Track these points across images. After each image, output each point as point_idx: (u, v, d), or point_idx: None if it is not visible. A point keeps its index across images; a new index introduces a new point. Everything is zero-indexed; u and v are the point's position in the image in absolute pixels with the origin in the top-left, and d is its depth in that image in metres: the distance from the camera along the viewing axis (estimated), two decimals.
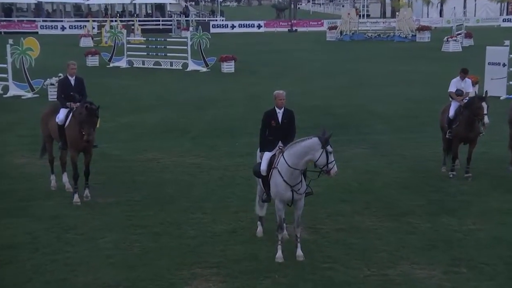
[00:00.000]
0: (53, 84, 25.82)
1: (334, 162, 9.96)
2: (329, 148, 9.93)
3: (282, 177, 10.21)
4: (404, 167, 15.94)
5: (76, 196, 13.42)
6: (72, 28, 69.50)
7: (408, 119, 21.95)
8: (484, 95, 14.55)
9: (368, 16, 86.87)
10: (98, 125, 13.15)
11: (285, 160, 10.16)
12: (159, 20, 75.32)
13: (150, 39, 43.91)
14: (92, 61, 40.13)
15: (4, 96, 27.73)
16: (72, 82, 13.69)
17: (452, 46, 47.19)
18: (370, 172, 15.53)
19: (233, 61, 36.37)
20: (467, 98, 14.90)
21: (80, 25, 67.10)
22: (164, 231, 11.76)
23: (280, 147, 10.57)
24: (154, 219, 12.40)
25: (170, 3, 78.42)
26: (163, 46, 39.97)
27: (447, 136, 15.26)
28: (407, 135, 19.46)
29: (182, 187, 14.41)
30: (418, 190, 14.14)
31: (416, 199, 13.49)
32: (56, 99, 14.32)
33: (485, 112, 14.20)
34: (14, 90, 27.97)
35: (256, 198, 11.42)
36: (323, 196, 13.44)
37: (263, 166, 10.61)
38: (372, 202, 13.29)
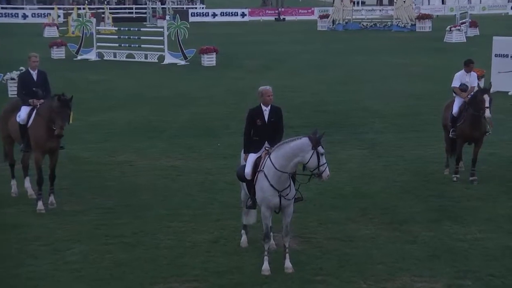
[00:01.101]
0: (13, 79, 25.69)
1: (326, 164, 9.98)
2: (320, 149, 9.94)
3: (269, 181, 10.22)
4: (403, 170, 15.96)
5: (40, 203, 13.35)
6: (35, 17, 69.26)
7: (408, 117, 21.96)
8: (487, 87, 14.65)
9: (363, 3, 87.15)
10: (71, 120, 13.10)
11: (272, 163, 10.18)
12: (132, 8, 75.23)
13: (122, 29, 43.76)
14: (58, 53, 39.98)
15: None
16: (34, 77, 13.63)
17: (456, 37, 47.48)
18: (366, 176, 15.53)
19: (215, 53, 36.39)
20: (472, 93, 14.98)
21: (44, 13, 66.90)
22: (138, 242, 11.73)
23: (266, 148, 10.56)
24: (127, 228, 12.35)
25: None
26: (136, 37, 39.90)
27: (450, 135, 15.36)
28: (406, 135, 19.51)
29: (158, 193, 14.38)
30: (419, 195, 14.17)
31: (417, 205, 13.51)
32: (16, 96, 14.25)
33: (487, 105, 14.30)
34: None
35: (243, 205, 11.43)
36: (315, 202, 13.42)
37: (248, 169, 10.61)
38: (369, 209, 13.29)
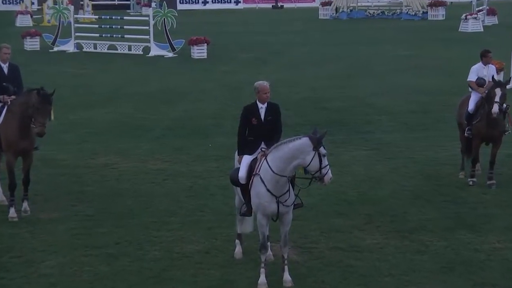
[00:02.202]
0: None
1: (328, 166, 10.02)
2: (322, 150, 9.97)
3: (265, 186, 10.24)
4: (413, 173, 15.98)
5: (12, 210, 13.34)
6: (5, 4, 69.09)
7: (418, 114, 21.97)
8: (504, 81, 14.69)
9: None
10: (52, 117, 13.12)
11: (269, 165, 10.20)
12: None
13: (103, 17, 43.76)
14: (32, 44, 39.91)
15: None
16: (5, 70, 13.65)
17: (472, 25, 47.50)
18: (372, 179, 15.58)
19: (206, 44, 36.32)
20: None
21: (16, 0, 66.72)
22: (120, 252, 11.73)
23: (262, 150, 10.56)
24: (109, 238, 12.34)
25: None
26: (119, 26, 39.82)
27: (465, 134, 15.38)
28: (417, 134, 19.50)
29: (143, 199, 14.40)
30: (430, 200, 14.21)
31: (429, 212, 13.56)
32: None
33: (497, 99, 14.32)
34: None
35: (237, 212, 11.45)
36: (316, 209, 13.44)
37: (242, 173, 10.63)
38: (375, 216, 13.33)
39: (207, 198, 14.37)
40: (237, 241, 11.59)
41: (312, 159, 9.92)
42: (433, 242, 12.05)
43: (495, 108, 14.33)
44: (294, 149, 10.04)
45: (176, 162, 17.08)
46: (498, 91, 14.38)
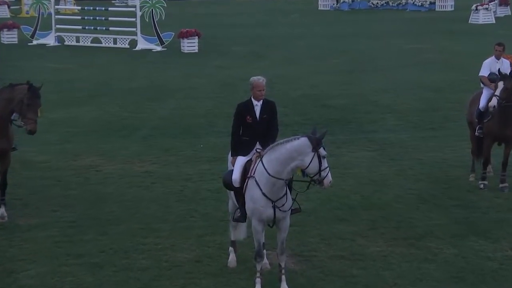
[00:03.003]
0: None
1: (328, 169, 10.00)
2: (322, 151, 9.96)
3: (261, 190, 10.23)
4: (420, 175, 15.99)
5: None
6: None
7: (426, 112, 22.01)
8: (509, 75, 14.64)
9: None
10: (39, 114, 13.10)
11: (265, 167, 10.19)
12: None
13: (86, 8, 43.70)
14: (9, 37, 39.89)
15: None
16: None
17: (483, 17, 47.59)
18: (377, 182, 15.58)
19: (197, 37, 36.52)
20: None
21: None
22: (106, 261, 11.68)
23: (258, 150, 10.57)
24: (93, 245, 12.30)
25: None
26: (103, 18, 39.80)
27: (476, 134, 15.42)
28: (424, 134, 19.54)
29: (130, 204, 14.37)
30: (439, 205, 14.21)
31: (437, 217, 13.55)
32: None
33: (497, 93, 14.34)
34: None
35: (230, 218, 11.44)
36: (316, 214, 13.42)
37: (236, 175, 10.62)
38: (379, 221, 13.32)
39: (198, 203, 14.33)
40: (230, 248, 11.54)
41: (311, 161, 9.89)
42: (441, 250, 12.01)
43: (493, 101, 14.34)
44: (291, 150, 10.00)
45: (165, 164, 17.05)
46: (500, 85, 14.39)
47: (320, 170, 9.91)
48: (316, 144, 9.91)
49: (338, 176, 14.36)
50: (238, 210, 10.78)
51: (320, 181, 9.99)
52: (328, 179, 10.00)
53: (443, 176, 15.89)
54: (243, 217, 10.72)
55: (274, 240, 10.75)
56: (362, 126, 20.54)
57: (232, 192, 10.92)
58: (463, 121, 16.57)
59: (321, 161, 9.92)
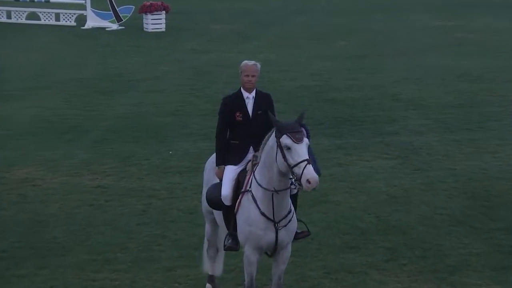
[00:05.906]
0: None
1: (305, 163, 8.79)
2: (284, 139, 8.90)
3: (259, 208, 9.45)
4: (453, 190, 15.11)
5: None
6: None
7: (460, 109, 20.94)
8: None
9: None
10: None
11: (255, 178, 9.51)
12: None
13: None
14: None
15: None
16: None
17: None
18: (397, 198, 14.65)
19: (164, 12, 35.00)
20: None
21: None
22: None
23: (254, 157, 9.75)
24: (30, 283, 11.45)
25: None
26: None
27: None
28: (458, 136, 18.51)
29: (78, 228, 13.40)
30: (477, 228, 13.33)
31: (475, 244, 12.67)
32: None
33: None
34: None
35: (204, 246, 11.04)
36: (319, 240, 12.52)
37: (226, 190, 9.82)
38: (400, 250, 12.45)
39: (166, 227, 13.41)
40: (208, 285, 10.96)
41: (276, 156, 9.07)
42: (481, 286, 11.31)
43: None
44: (268, 146, 9.27)
45: (123, 176, 15.99)
46: None
47: (291, 167, 8.90)
48: (279, 131, 9.01)
49: (347, 192, 14.41)
50: (229, 236, 10.04)
51: (298, 181, 8.90)
52: (306, 177, 8.75)
53: (483, 192, 14.96)
54: (234, 244, 10.03)
55: (268, 273, 10.26)
56: (378, 126, 19.48)
57: (218, 213, 10.11)
58: (508, 119, 16.57)
59: (284, 154, 8.93)
